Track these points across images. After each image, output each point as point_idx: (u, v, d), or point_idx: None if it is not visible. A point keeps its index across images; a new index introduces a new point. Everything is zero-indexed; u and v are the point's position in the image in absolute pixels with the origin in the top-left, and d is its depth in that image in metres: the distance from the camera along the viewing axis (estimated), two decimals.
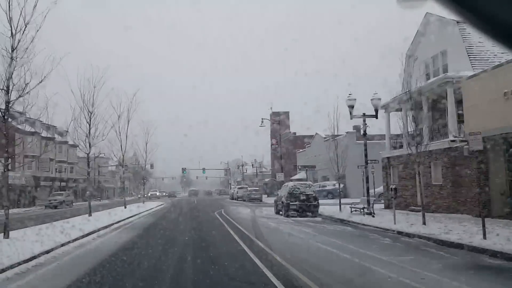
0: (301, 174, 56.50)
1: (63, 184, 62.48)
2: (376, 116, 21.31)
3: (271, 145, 66.88)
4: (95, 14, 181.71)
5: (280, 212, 25.34)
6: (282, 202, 23.74)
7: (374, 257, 10.11)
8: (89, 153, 21.40)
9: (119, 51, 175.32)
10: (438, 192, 22.37)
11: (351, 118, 20.99)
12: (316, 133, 52.44)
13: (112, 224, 17.88)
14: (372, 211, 20.93)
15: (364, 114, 21.12)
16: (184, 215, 26.07)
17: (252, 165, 69.78)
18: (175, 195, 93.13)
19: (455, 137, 20.80)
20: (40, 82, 12.44)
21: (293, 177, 56.28)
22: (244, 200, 49.54)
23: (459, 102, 22.06)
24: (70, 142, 70.23)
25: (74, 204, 55.73)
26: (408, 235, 14.36)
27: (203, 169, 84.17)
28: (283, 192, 24.49)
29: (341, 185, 44.35)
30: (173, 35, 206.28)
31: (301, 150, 59.49)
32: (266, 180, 66.11)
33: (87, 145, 21.03)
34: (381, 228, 16.56)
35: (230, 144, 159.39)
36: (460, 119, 22.48)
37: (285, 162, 67.96)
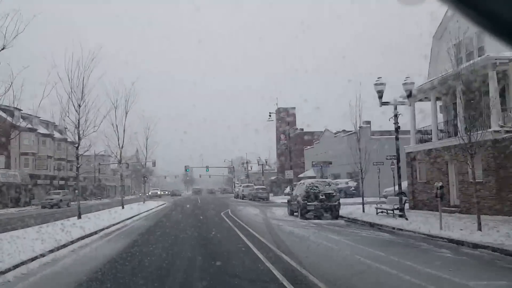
0: (309, 172, 53.51)
1: (62, 182, 59.58)
2: (409, 103, 18.26)
3: (279, 141, 63.75)
4: (93, 10, 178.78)
5: (295, 213, 22.37)
6: (298, 202, 20.73)
7: (456, 283, 7.12)
8: (78, 145, 18.47)
9: (119, 48, 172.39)
10: (478, 191, 19.33)
11: (381, 105, 17.93)
12: (326, 129, 49.42)
13: (103, 229, 14.85)
14: (404, 213, 17.92)
15: (395, 101, 18.07)
16: (188, 217, 23.05)
17: (258, 162, 66.63)
18: (178, 194, 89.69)
19: (502, 126, 17.78)
20: (3, 48, 9.48)
21: (300, 175, 53.30)
22: (250, 199, 46.59)
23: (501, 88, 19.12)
24: (70, 139, 67.56)
25: (72, 203, 53.01)
26: (467, 244, 11.34)
27: (207, 167, 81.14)
28: (298, 191, 21.47)
29: (355, 183, 41.56)
30: (173, 32, 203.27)
31: (308, 147, 56.44)
32: (272, 178, 63.01)
33: (76, 136, 18.11)
34: (425, 234, 13.53)
35: (233, 142, 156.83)
36: (504, 106, 19.52)
37: (290, 159, 64.87)
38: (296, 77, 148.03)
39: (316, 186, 20.44)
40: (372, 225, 17.17)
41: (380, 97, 17.93)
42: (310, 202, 20.13)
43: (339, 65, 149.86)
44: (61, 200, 46.12)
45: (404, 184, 35.05)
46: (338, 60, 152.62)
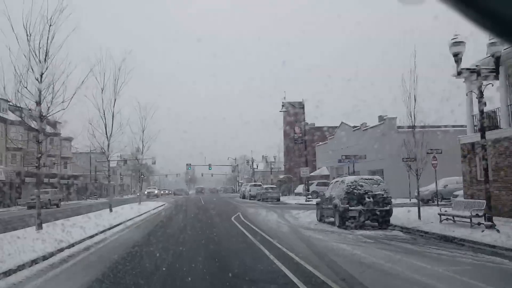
0: (322, 170, 48.32)
1: (54, 180, 54.28)
2: (496, 71, 12.94)
3: (286, 137, 58.09)
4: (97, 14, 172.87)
5: (327, 220, 17.21)
6: (335, 206, 15.48)
7: None
8: (40, 128, 13.29)
9: (119, 48, 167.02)
10: None
11: (459, 73, 12.71)
12: (342, 122, 44.09)
13: (63, 249, 9.61)
14: (494, 223, 12.66)
15: (477, 67, 12.75)
16: (191, 225, 17.75)
17: (266, 159, 61.13)
18: (179, 194, 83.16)
19: None
20: None
21: (311, 174, 48.08)
22: (258, 200, 41.37)
23: None
24: (64, 135, 62.26)
25: (63, 203, 47.87)
26: None
27: (209, 165, 75.93)
28: (335, 191, 16.22)
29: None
30: (174, 31, 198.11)
31: (321, 143, 51.08)
32: (282, 177, 57.66)
33: (37, 114, 12.94)
34: None
35: (236, 141, 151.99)
36: None
37: (299, 157, 59.77)
38: (297, 76, 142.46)
39: (361, 185, 15.18)
40: (450, 239, 11.90)
41: (458, 61, 12.66)
42: (353, 206, 14.91)
43: (339, 63, 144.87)
44: (49, 200, 40.90)
45: (441, 183, 29.87)
46: (338, 59, 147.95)
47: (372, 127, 37.90)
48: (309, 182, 38.21)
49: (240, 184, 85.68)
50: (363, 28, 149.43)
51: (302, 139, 37.78)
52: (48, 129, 57.14)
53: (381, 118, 39.90)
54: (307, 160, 56.87)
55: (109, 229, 14.00)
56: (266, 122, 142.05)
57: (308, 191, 35.62)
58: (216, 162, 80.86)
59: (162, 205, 33.88)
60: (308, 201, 33.55)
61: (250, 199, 44.73)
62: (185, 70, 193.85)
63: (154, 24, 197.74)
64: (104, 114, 21.35)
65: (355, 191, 15.10)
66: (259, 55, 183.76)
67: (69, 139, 63.33)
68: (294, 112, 46.46)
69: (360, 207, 14.90)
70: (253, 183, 50.37)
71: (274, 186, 44.99)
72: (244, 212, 24.13)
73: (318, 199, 18.49)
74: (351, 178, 15.60)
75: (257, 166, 70.51)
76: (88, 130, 21.76)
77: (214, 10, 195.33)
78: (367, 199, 14.95)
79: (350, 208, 14.89)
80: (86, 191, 68.07)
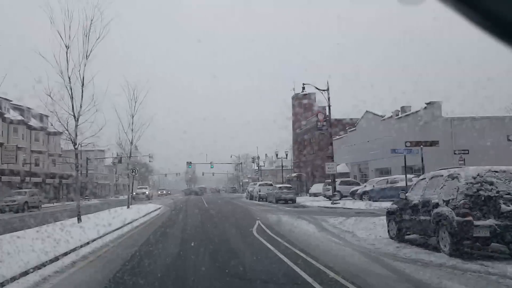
0: (341, 167, 41.70)
1: (39, 179, 47.56)
2: None
3: (295, 131, 51.54)
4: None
5: (408, 237, 10.74)
6: (442, 218, 8.87)
7: None
8: None
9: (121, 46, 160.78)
10: None
11: None
12: (367, 111, 37.47)
13: None
14: None
15: None
16: (195, 247, 10.89)
17: (277, 155, 54.49)
18: (197, 193, 74.30)
19: None
20: None
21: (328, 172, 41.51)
22: (270, 202, 34.89)
23: None
24: (51, 129, 55.68)
25: (49, 205, 41.30)
26: None
27: (211, 163, 69.49)
28: (436, 191, 9.52)
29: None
30: (174, 28, 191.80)
31: (337, 137, 44.49)
32: (293, 175, 51.07)
33: None
34: None
35: (237, 141, 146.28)
36: None
37: (312, 152, 53.42)
38: (298, 75, 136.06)
39: (490, 183, 8.57)
40: None
41: None
42: (480, 219, 8.33)
43: (339, 60, 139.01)
44: (26, 202, 34.30)
45: None
46: (338, 56, 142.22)
47: (408, 114, 31.35)
48: (342, 179, 31.81)
49: (242, 183, 79.34)
50: (362, 26, 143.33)
51: (327, 127, 31.16)
52: (34, 122, 50.48)
53: (404, 108, 33.39)
54: (314, 155, 50.53)
55: (65, 255, 7.32)
56: (267, 121, 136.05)
57: (334, 190, 29.11)
58: (217, 160, 74.41)
59: (157, 209, 27.29)
60: (335, 203, 27.03)
61: (259, 201, 38.28)
62: (185, 70, 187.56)
63: (154, 24, 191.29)
64: (70, 83, 14.70)
65: (482, 192, 8.50)
66: (259, 53, 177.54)
67: (58, 134, 56.73)
68: (311, 99, 40.27)
69: (492, 221, 8.30)
70: (263, 182, 43.71)
71: (290, 185, 38.39)
72: (264, 221, 17.58)
73: (393, 205, 11.79)
74: (473, 170, 8.89)
75: (264, 164, 63.93)
76: (46, 106, 15.06)
77: (214, 8, 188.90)
78: (503, 207, 8.36)
79: (476, 222, 8.27)
80: (85, 191, 61.43)
